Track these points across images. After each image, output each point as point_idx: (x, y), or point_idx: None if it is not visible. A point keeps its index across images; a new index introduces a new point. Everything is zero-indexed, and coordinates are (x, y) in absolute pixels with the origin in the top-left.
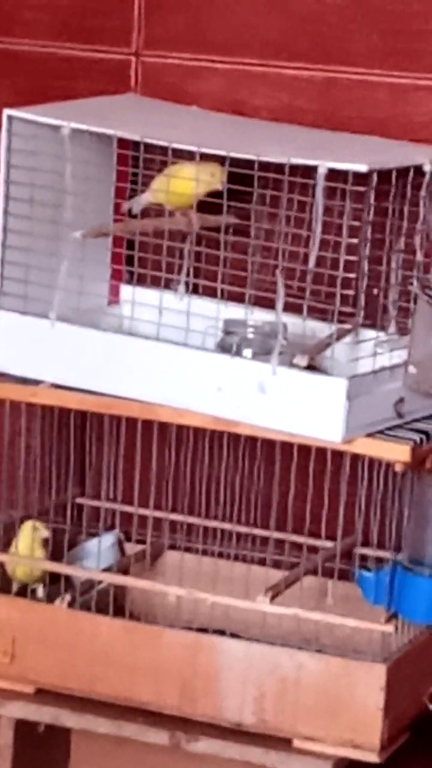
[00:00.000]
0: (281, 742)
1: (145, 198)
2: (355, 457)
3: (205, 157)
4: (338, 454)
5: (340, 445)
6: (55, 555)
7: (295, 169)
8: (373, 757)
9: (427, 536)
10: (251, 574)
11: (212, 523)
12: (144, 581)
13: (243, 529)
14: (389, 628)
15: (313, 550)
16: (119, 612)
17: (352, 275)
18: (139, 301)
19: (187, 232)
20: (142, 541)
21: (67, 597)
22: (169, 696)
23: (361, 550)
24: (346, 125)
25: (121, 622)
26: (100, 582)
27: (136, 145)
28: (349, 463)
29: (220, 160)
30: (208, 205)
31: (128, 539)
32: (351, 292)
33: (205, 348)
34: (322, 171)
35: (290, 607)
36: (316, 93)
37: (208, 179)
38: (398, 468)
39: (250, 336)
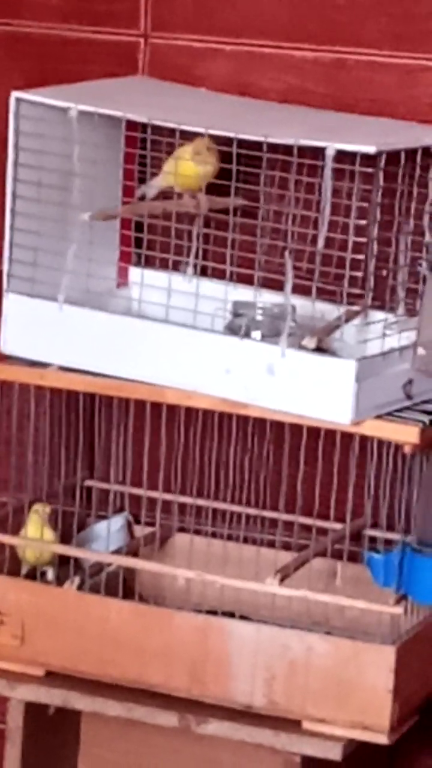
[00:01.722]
0: (291, 724)
1: (158, 181)
2: (364, 439)
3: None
4: (347, 436)
5: (349, 427)
6: (65, 538)
7: (303, 151)
8: (383, 739)
9: None
10: (260, 556)
11: (221, 506)
12: (153, 564)
13: (252, 511)
14: (398, 609)
15: (323, 532)
16: (128, 594)
17: (360, 257)
18: (148, 283)
19: (196, 214)
20: (151, 524)
21: (77, 580)
22: (178, 678)
23: (370, 532)
24: (354, 107)
25: (130, 604)
26: (109, 565)
27: (144, 127)
28: (358, 445)
29: (227, 141)
30: (216, 187)
31: (137, 522)
32: (360, 274)
33: (213, 330)
34: (330, 152)
35: (299, 589)
36: (324, 75)
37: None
38: (407, 449)
39: (259, 318)
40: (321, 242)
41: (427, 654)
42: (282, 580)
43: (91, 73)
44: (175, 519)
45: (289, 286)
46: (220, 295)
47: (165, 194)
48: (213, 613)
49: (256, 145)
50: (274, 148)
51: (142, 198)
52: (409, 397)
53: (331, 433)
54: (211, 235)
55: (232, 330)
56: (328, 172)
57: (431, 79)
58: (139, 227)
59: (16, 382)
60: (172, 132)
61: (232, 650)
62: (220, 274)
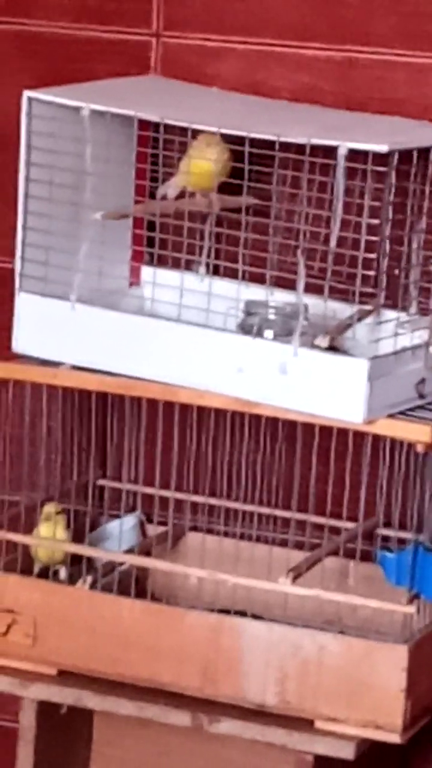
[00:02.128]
0: (303, 723)
1: (176, 181)
2: (377, 438)
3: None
4: (360, 435)
5: (361, 426)
6: (77, 537)
7: (315, 150)
8: (396, 738)
9: None
10: (273, 556)
11: (234, 505)
12: (165, 563)
13: (264, 510)
14: (411, 608)
15: (335, 531)
16: (141, 594)
17: (373, 255)
18: (160, 282)
19: (208, 213)
20: (164, 523)
21: (89, 579)
22: (191, 677)
23: (382, 531)
24: (366, 106)
25: (142, 603)
26: (121, 564)
27: (156, 126)
28: (371, 444)
29: (239, 140)
30: (228, 186)
31: (150, 521)
32: (372, 273)
33: (226, 329)
34: (342, 151)
35: (312, 588)
36: (336, 74)
37: (218, 156)
38: (419, 448)
39: (271, 317)
40: (333, 241)
41: None
42: (294, 579)
43: (102, 73)
44: (187, 518)
45: (301, 285)
46: (233, 294)
47: (179, 193)
48: (225, 612)
49: (269, 144)
50: (286, 147)
51: (164, 198)
52: (421, 396)
53: (343, 432)
54: (224, 234)
55: (244, 329)
56: (340, 171)
57: None
58: (151, 226)
59: (29, 382)
60: (184, 131)
61: (244, 649)
62: (232, 273)
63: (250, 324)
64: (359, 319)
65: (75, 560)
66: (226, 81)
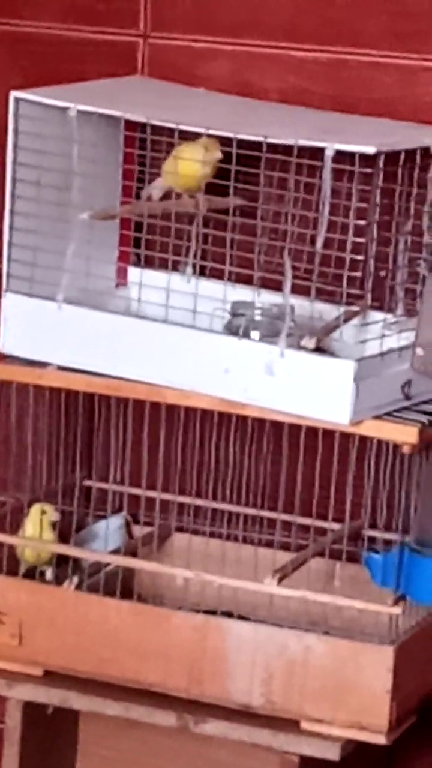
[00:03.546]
0: (289, 724)
1: (161, 182)
2: (363, 439)
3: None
4: (346, 436)
5: (347, 427)
6: (63, 537)
7: (302, 151)
8: (381, 739)
9: None
10: (259, 556)
11: (220, 505)
12: (152, 563)
13: (251, 511)
14: (397, 610)
15: (321, 532)
16: (127, 594)
17: (359, 257)
18: (147, 283)
19: (195, 214)
20: (150, 524)
21: (75, 579)
22: (176, 678)
23: (368, 532)
24: (354, 107)
25: (129, 604)
26: (107, 564)
27: (143, 126)
28: (357, 445)
29: (226, 141)
30: (215, 186)
31: (136, 521)
32: (359, 274)
33: (212, 330)
34: (329, 153)
35: (298, 589)
36: (324, 75)
37: (205, 156)
38: (406, 450)
39: (258, 318)
40: (320, 242)
41: (426, 654)
42: (280, 580)
43: (90, 73)
44: (173, 519)
45: (288, 286)
46: (219, 295)
47: (164, 194)
48: (211, 612)
49: (256, 145)
50: (273, 148)
51: (149, 199)
52: (407, 397)
53: (329, 433)
54: (210, 235)
55: (231, 330)
56: (327, 173)
57: (431, 78)
58: (138, 227)
59: (15, 382)
60: (171, 132)
61: (230, 650)
62: (219, 274)
63: (237, 325)
64: (346, 321)
65: (61, 561)
66: (214, 82)
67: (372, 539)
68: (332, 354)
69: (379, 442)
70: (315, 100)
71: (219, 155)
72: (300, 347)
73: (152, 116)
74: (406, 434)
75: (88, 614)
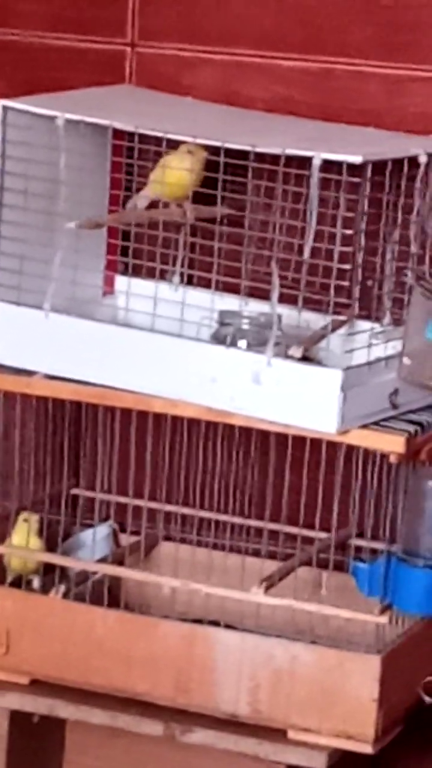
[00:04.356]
0: (276, 733)
1: (146, 192)
2: (350, 449)
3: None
4: (333, 446)
5: (335, 437)
6: (50, 546)
7: (290, 160)
8: (368, 749)
9: (421, 527)
10: (246, 565)
11: (207, 514)
12: (139, 572)
13: (238, 520)
14: (383, 619)
15: (308, 541)
16: (114, 603)
17: (347, 266)
18: (134, 291)
19: (182, 223)
20: (137, 532)
21: (62, 588)
22: (163, 687)
23: (355, 542)
24: (341, 116)
25: (115, 613)
26: (94, 573)
27: (131, 135)
28: (344, 455)
29: (214, 150)
30: (203, 196)
31: (123, 530)
32: (346, 284)
33: (199, 339)
34: (317, 162)
35: (285, 598)
36: (311, 84)
37: (192, 161)
38: (393, 459)
39: (245, 327)
40: (307, 252)
41: (412, 663)
42: (267, 589)
43: (78, 82)
44: (160, 528)
45: (275, 296)
46: (207, 304)
47: (152, 203)
48: (198, 621)
49: (243, 154)
50: (260, 157)
51: (134, 209)
52: (395, 406)
53: (317, 443)
54: (198, 244)
55: (218, 339)
56: (314, 182)
57: (418, 89)
58: (125, 236)
59: (2, 390)
60: (158, 141)
61: (217, 659)
62: (206, 283)
63: (224, 334)
64: (333, 330)
65: (48, 569)
66: (201, 91)
67: (359, 548)
68: (319, 363)
69: (366, 451)
70: (301, 110)
71: (205, 154)
72: (287, 356)
73: (140, 125)
74: (393, 443)
75: (75, 623)
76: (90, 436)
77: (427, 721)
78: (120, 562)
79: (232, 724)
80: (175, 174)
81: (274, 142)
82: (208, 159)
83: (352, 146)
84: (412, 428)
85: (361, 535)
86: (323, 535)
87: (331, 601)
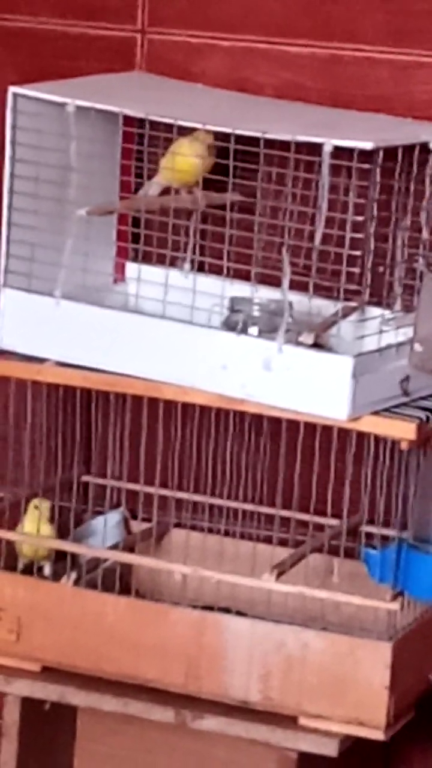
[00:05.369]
0: (287, 720)
1: (158, 179)
2: (361, 435)
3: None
4: (344, 432)
5: (345, 423)
6: (61, 533)
7: (300, 147)
8: (379, 735)
9: None
10: (257, 552)
11: (218, 501)
12: (150, 559)
13: (249, 507)
14: (395, 605)
15: (319, 528)
16: (125, 590)
17: (357, 253)
18: (145, 278)
19: (193, 210)
20: (148, 519)
21: (73, 575)
22: (174, 674)
23: (366, 528)
24: (350, 103)
25: (126, 600)
26: (106, 560)
27: (141, 122)
28: (355, 441)
29: (224, 136)
30: (213, 182)
31: (134, 517)
32: (357, 270)
33: (210, 326)
34: (327, 148)
35: (296, 585)
36: (320, 71)
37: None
38: (404, 446)
39: (256, 314)
40: (318, 238)
41: (423, 650)
42: (278, 576)
43: (87, 69)
44: (171, 515)
45: (286, 282)
46: (217, 290)
47: (163, 190)
48: (209, 608)
49: (253, 141)
50: (271, 143)
51: (145, 195)
52: (406, 393)
53: (327, 429)
54: (208, 230)
55: (228, 326)
56: (325, 168)
57: (427, 75)
58: (136, 222)
59: (13, 378)
60: (169, 127)
61: (227, 646)
62: (217, 270)
63: (235, 321)
64: (344, 317)
65: (59, 556)
66: (211, 78)
67: (370, 535)
68: (330, 350)
69: (377, 438)
70: (310, 96)
71: (211, 139)
72: (298, 343)
73: (150, 112)
74: (404, 430)
75: (86, 610)
76: (101, 423)
77: None
78: (131, 549)
79: (243, 711)
80: (186, 161)
81: (285, 128)
82: (218, 146)
83: (362, 132)
84: (423, 415)
85: (372, 521)
86: (334, 521)
87: (343, 587)
